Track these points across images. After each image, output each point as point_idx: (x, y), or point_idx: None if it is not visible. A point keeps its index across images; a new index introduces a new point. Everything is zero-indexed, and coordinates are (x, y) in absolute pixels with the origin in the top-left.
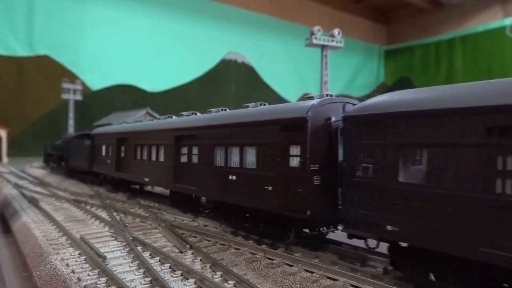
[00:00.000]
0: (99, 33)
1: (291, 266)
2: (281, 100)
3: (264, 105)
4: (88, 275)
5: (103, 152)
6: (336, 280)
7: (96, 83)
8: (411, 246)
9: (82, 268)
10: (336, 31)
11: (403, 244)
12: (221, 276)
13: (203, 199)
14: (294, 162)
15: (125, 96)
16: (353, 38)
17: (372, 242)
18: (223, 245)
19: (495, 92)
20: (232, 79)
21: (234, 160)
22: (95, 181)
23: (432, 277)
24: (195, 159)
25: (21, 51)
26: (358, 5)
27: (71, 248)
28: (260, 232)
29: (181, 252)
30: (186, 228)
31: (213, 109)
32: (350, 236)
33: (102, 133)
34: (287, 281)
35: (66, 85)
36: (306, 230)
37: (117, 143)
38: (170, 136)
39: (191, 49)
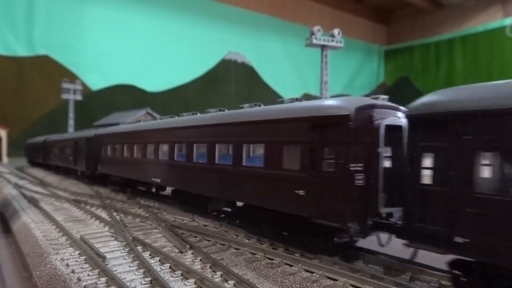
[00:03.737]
0: (99, 33)
1: (291, 266)
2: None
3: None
4: (88, 275)
5: (33, 152)
6: (336, 280)
7: (96, 83)
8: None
9: (82, 268)
10: (336, 31)
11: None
12: (221, 276)
13: None
14: None
15: (125, 96)
16: (353, 38)
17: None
18: (223, 245)
19: None
20: (232, 79)
21: None
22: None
23: None
24: None
25: (21, 51)
26: (358, 5)
27: (71, 248)
28: None
29: (181, 252)
30: (186, 228)
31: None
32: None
33: (30, 142)
34: (287, 281)
35: (66, 85)
36: None
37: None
38: None
39: (191, 49)
